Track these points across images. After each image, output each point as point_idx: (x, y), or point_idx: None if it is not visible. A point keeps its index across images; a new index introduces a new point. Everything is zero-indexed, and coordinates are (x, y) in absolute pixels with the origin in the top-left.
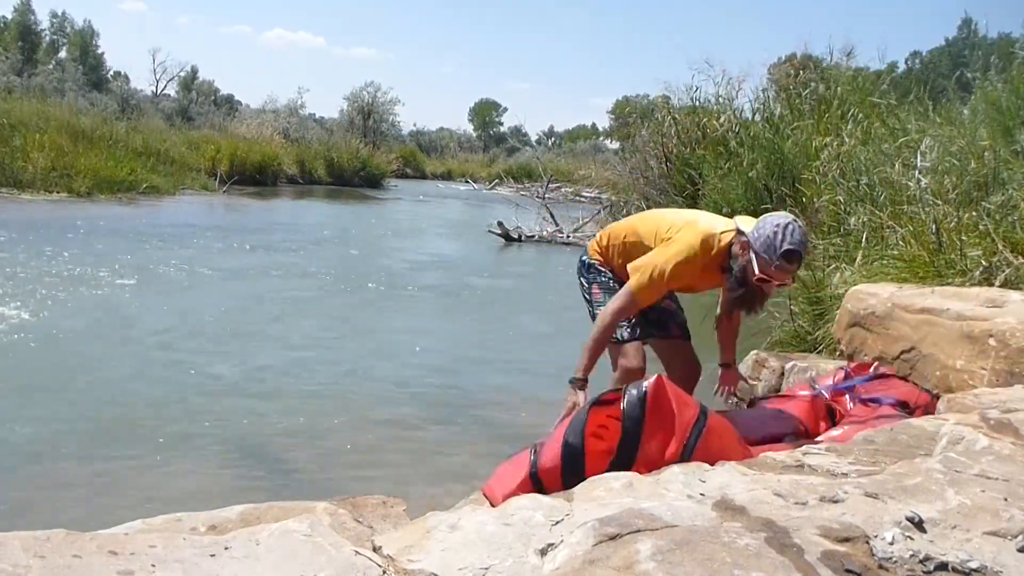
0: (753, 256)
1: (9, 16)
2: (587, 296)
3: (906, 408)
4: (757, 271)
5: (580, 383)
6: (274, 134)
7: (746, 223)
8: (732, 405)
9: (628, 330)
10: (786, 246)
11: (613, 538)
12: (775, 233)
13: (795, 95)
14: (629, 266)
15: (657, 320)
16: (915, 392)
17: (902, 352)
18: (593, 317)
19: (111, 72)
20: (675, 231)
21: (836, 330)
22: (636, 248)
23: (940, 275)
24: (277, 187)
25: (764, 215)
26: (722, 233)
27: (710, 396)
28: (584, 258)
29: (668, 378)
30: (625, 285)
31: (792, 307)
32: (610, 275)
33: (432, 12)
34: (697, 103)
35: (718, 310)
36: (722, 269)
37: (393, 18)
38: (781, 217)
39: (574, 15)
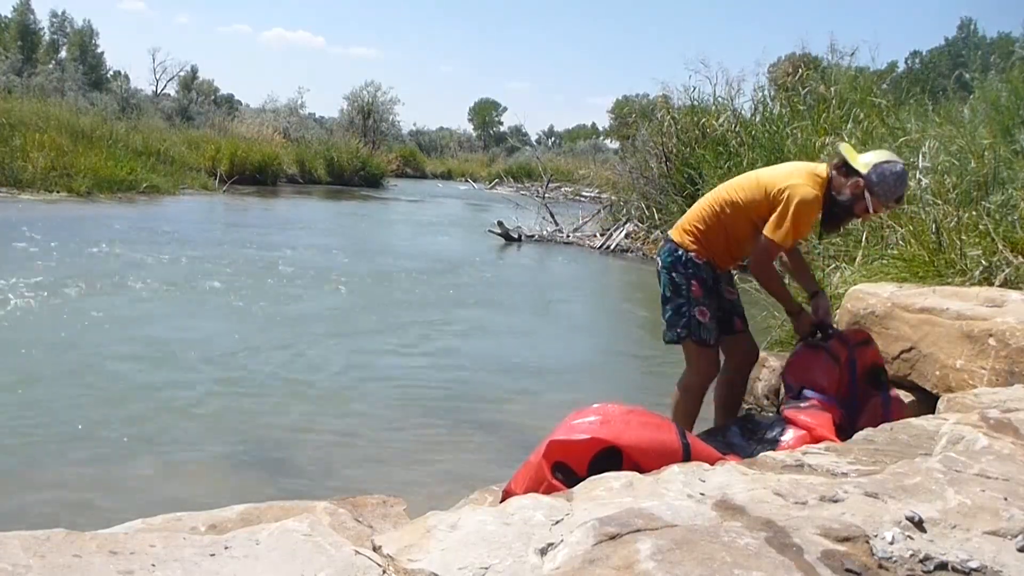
0: (869, 196)
1: (9, 16)
2: (683, 292)
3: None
4: (872, 210)
5: (800, 308)
6: (274, 134)
7: (851, 155)
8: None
9: (715, 334)
10: (900, 191)
11: (613, 538)
12: (895, 180)
13: (795, 94)
14: (767, 229)
15: (725, 319)
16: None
17: (902, 352)
18: (679, 315)
19: (111, 72)
20: (789, 180)
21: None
22: (738, 213)
23: (940, 275)
24: (277, 187)
25: (875, 157)
26: (821, 170)
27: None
28: (679, 252)
29: (727, 365)
30: (764, 238)
31: None
32: (707, 266)
33: (432, 12)
34: (696, 103)
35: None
36: (826, 201)
37: (393, 18)
38: (896, 162)
39: (574, 15)
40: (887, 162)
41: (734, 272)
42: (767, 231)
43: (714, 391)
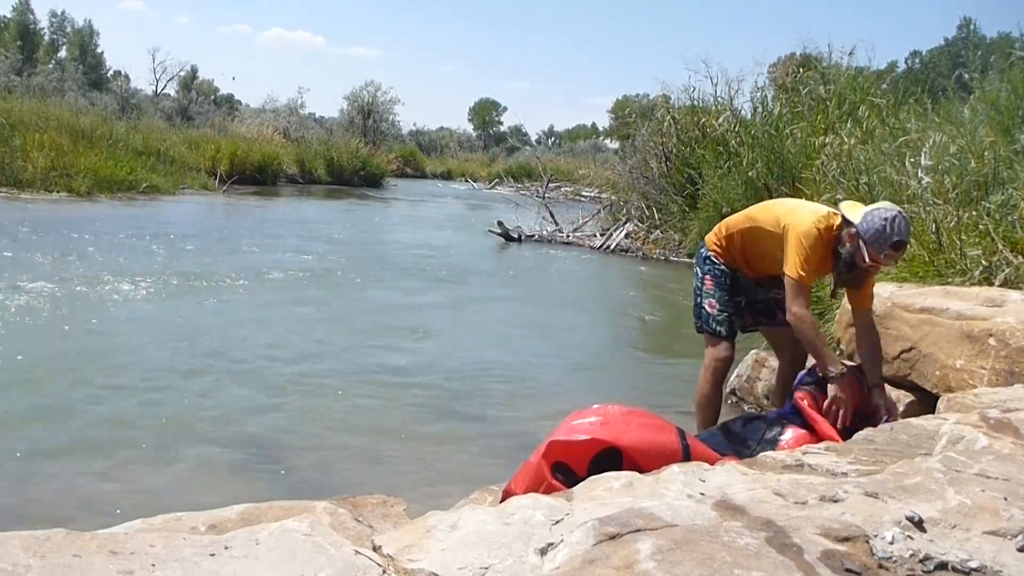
0: (863, 245)
1: (9, 15)
2: (699, 285)
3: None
4: (868, 260)
5: (839, 374)
6: (274, 134)
7: (850, 210)
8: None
9: (726, 327)
10: (895, 238)
11: (613, 537)
12: (884, 227)
13: (795, 94)
14: (784, 266)
15: (764, 309)
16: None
17: (902, 351)
18: (698, 307)
19: (111, 72)
20: (792, 215)
21: (836, 330)
22: (755, 233)
23: (940, 274)
24: (277, 186)
25: (871, 207)
26: (828, 215)
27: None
28: (703, 251)
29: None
30: (786, 279)
31: None
32: (724, 268)
33: (432, 12)
34: (696, 103)
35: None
36: (833, 252)
37: (393, 18)
38: (887, 210)
39: (574, 15)
40: (878, 208)
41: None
42: (784, 268)
43: (775, 389)
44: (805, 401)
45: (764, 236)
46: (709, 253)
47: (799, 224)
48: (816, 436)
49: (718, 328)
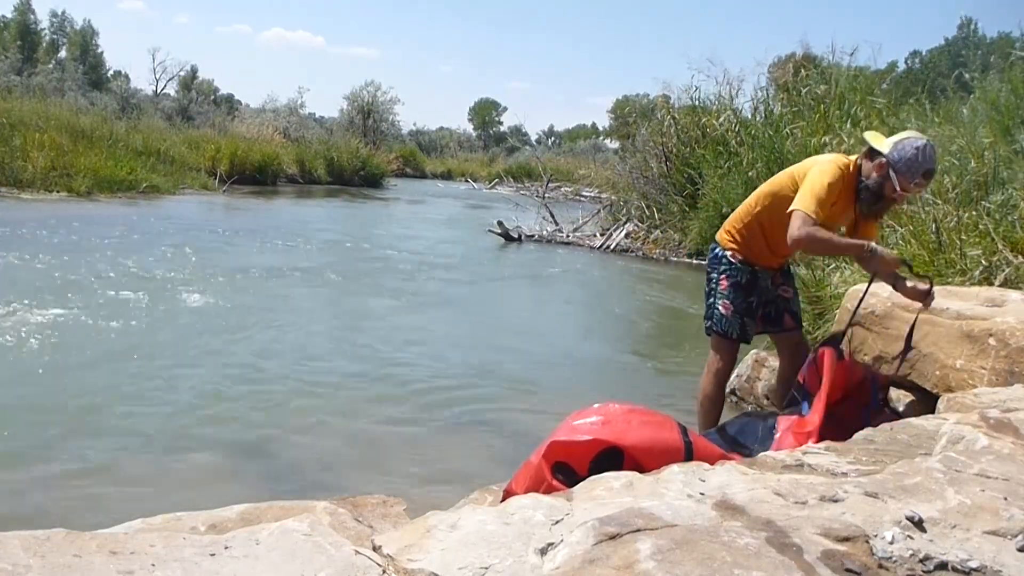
0: (893, 175)
1: (9, 15)
2: (713, 287)
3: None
4: (899, 189)
5: (873, 248)
6: (274, 133)
7: (875, 139)
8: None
9: (738, 330)
10: (926, 166)
11: (613, 537)
12: (916, 155)
13: (795, 94)
14: (792, 204)
15: (773, 315)
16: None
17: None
18: (710, 308)
19: (111, 71)
20: (810, 165)
21: (836, 329)
22: (776, 206)
23: (940, 274)
24: (277, 186)
25: (898, 136)
26: (848, 158)
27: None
28: (717, 250)
29: (780, 363)
30: (792, 212)
31: None
32: (741, 266)
33: (432, 12)
34: (697, 103)
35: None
36: (854, 191)
37: (393, 18)
38: (917, 138)
39: (574, 15)
40: (908, 138)
41: (791, 271)
42: (794, 205)
43: (775, 390)
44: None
45: (783, 203)
46: (725, 252)
47: (820, 164)
48: (806, 421)
49: (730, 331)
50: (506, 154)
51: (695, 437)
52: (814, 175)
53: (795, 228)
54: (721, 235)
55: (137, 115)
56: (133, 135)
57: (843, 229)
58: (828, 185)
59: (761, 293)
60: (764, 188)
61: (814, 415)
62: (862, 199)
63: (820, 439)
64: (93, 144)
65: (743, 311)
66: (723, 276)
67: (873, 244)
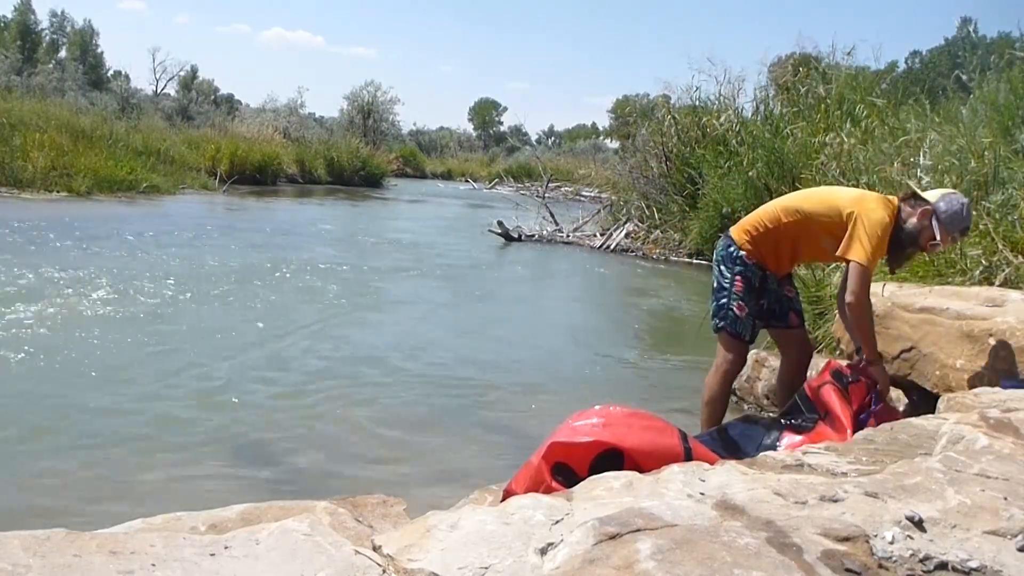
0: (936, 225)
1: (9, 15)
2: (726, 286)
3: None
4: (938, 238)
5: (879, 361)
6: (274, 133)
7: (928, 192)
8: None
9: (750, 332)
10: (966, 223)
11: (613, 537)
12: (961, 209)
13: (795, 94)
14: (844, 251)
15: (778, 311)
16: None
17: (902, 351)
18: (720, 307)
19: (111, 71)
20: (861, 204)
21: (836, 330)
22: (806, 225)
23: (940, 274)
24: (277, 186)
25: (945, 190)
26: (892, 201)
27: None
28: (732, 249)
29: (783, 362)
30: (852, 265)
31: None
32: (755, 268)
33: (432, 12)
34: (697, 102)
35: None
36: (894, 230)
37: (393, 18)
38: (962, 196)
39: (574, 15)
40: (955, 193)
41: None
42: (849, 254)
43: (776, 390)
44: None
45: (818, 227)
46: (742, 252)
47: (871, 212)
48: (816, 438)
49: (743, 332)
50: (506, 154)
51: (695, 444)
52: (873, 224)
53: (856, 287)
54: (739, 234)
55: (137, 115)
56: (133, 135)
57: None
58: (883, 238)
59: (769, 295)
60: (795, 202)
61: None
62: (898, 241)
63: None
64: (93, 144)
65: (755, 313)
66: (738, 276)
67: (874, 359)
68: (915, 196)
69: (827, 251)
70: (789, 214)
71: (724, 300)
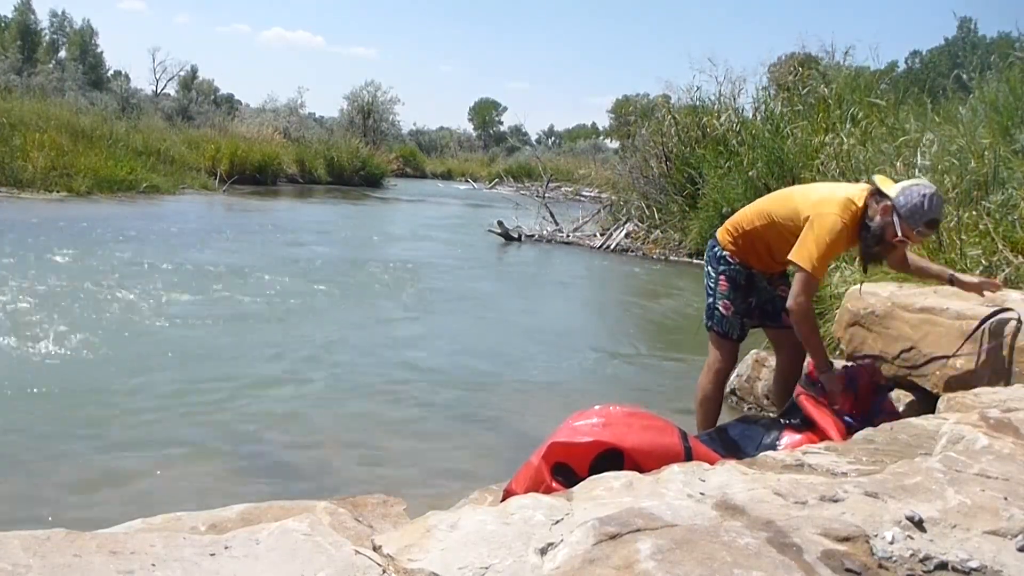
0: (897, 220)
1: (9, 15)
2: (712, 285)
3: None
4: (900, 234)
5: (830, 369)
6: (274, 133)
7: (884, 183)
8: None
9: (738, 330)
10: (931, 216)
11: (613, 537)
12: (921, 202)
13: (795, 94)
14: (792, 254)
15: (771, 310)
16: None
17: (902, 351)
18: (708, 307)
19: (111, 71)
20: (818, 207)
21: (836, 329)
22: (774, 230)
23: None
24: (277, 186)
25: (908, 182)
26: (856, 197)
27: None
28: (716, 249)
29: (777, 361)
30: (798, 271)
31: None
32: (739, 267)
33: (432, 12)
34: (697, 102)
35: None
36: (859, 228)
37: (393, 18)
38: (925, 187)
39: (574, 15)
40: (917, 184)
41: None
42: (795, 258)
43: (773, 390)
44: (809, 402)
45: (784, 231)
46: (724, 252)
47: (824, 217)
48: (816, 437)
49: (730, 331)
50: (506, 154)
51: (695, 443)
52: (822, 229)
53: (798, 292)
54: (722, 235)
55: (137, 115)
56: (133, 135)
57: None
58: (833, 244)
59: (760, 293)
60: (766, 205)
61: (832, 430)
62: (864, 240)
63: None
64: (93, 144)
65: (743, 311)
66: (722, 276)
67: (833, 367)
68: (879, 192)
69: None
70: (760, 218)
71: (711, 299)
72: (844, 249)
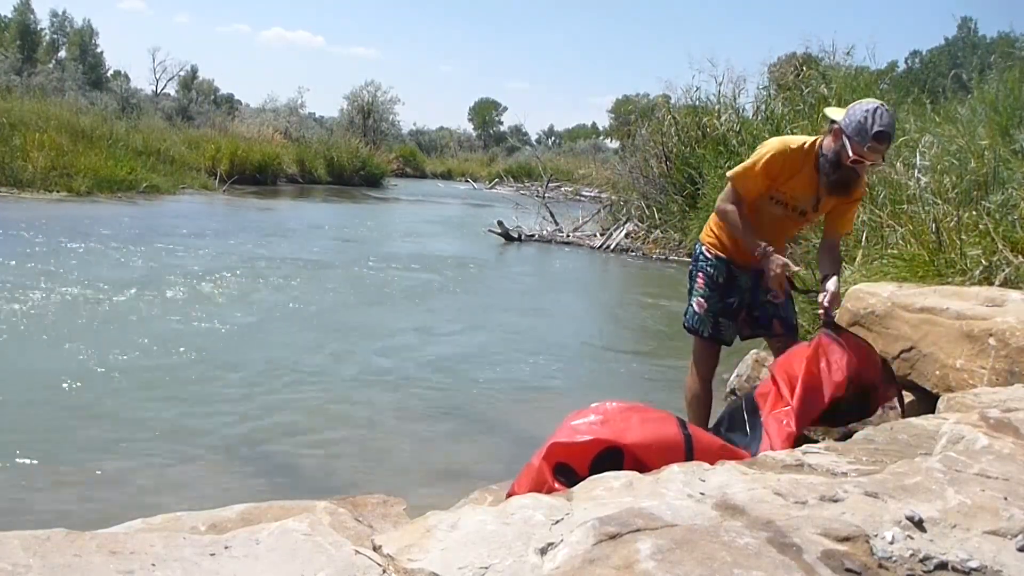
0: (846, 140)
1: (9, 15)
2: (692, 283)
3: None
4: (851, 154)
5: (768, 250)
6: (274, 133)
7: (835, 112)
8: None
9: (710, 328)
10: (876, 128)
11: (613, 537)
12: (865, 118)
13: (796, 93)
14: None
15: (762, 319)
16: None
17: (902, 351)
18: (687, 306)
19: (111, 71)
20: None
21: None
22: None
23: (940, 274)
24: (277, 186)
25: (853, 103)
26: (804, 139)
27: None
28: (698, 246)
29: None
30: (727, 183)
31: None
32: (717, 262)
33: (432, 12)
34: (698, 102)
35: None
36: (816, 167)
37: (393, 18)
38: (869, 103)
39: (574, 15)
40: (859, 103)
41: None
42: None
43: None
44: (768, 399)
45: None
46: (703, 248)
47: (762, 145)
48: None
49: (700, 328)
50: (506, 154)
51: (694, 430)
52: (757, 153)
53: (720, 198)
54: (705, 232)
55: (137, 115)
56: (133, 135)
57: (805, 208)
58: (759, 161)
59: (742, 293)
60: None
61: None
62: (822, 169)
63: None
64: (93, 144)
65: (718, 311)
66: (699, 272)
67: (766, 247)
68: (830, 120)
69: (770, 236)
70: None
71: (689, 297)
72: (778, 171)
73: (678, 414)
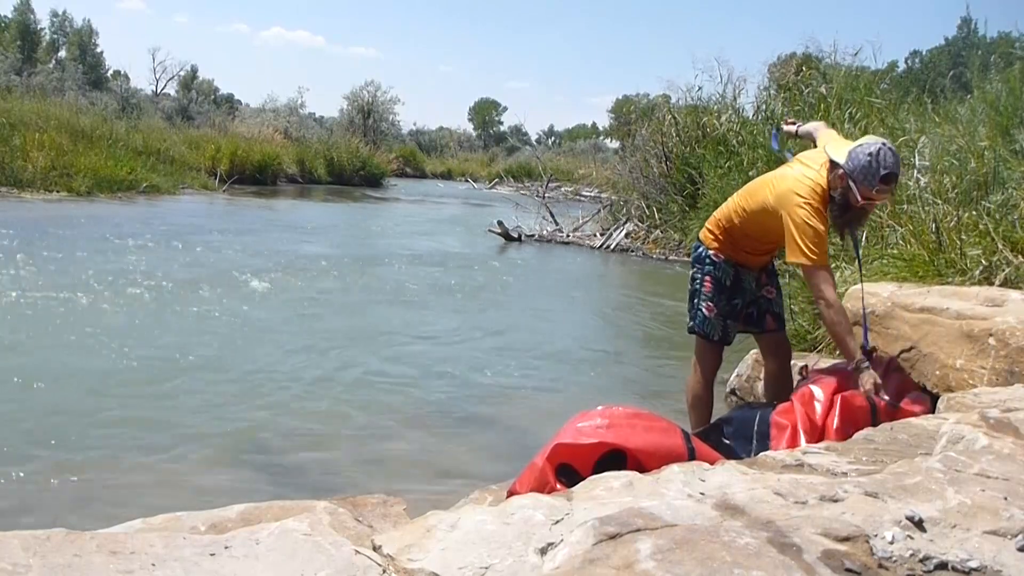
0: (852, 185)
1: (9, 15)
2: (696, 287)
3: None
4: (860, 199)
5: (865, 364)
6: (274, 133)
7: (835, 150)
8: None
9: (720, 332)
10: (883, 171)
11: (613, 537)
12: (869, 162)
13: (796, 94)
14: (788, 258)
15: (755, 315)
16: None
17: (902, 351)
18: (694, 308)
19: (111, 71)
20: (783, 201)
21: None
22: (752, 221)
23: (940, 274)
24: (277, 186)
25: (854, 144)
26: (818, 176)
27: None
28: (700, 249)
29: (766, 365)
30: (802, 269)
31: (792, 306)
32: (725, 266)
33: (432, 12)
34: (698, 102)
35: None
36: (825, 203)
37: (393, 17)
38: (871, 144)
39: (574, 15)
40: (861, 144)
41: (776, 269)
42: (794, 259)
43: (764, 394)
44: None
45: (760, 219)
46: (708, 252)
47: (794, 211)
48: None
49: (712, 333)
50: (506, 154)
51: (698, 443)
52: (800, 222)
53: (813, 288)
54: (704, 234)
55: (137, 115)
56: (133, 135)
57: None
58: (814, 229)
59: (745, 294)
60: (739, 201)
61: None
62: (832, 212)
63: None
64: (93, 144)
65: (726, 313)
66: (707, 277)
67: (860, 361)
68: (832, 162)
69: (779, 242)
70: (736, 213)
71: (695, 300)
72: (827, 227)
73: (678, 414)
